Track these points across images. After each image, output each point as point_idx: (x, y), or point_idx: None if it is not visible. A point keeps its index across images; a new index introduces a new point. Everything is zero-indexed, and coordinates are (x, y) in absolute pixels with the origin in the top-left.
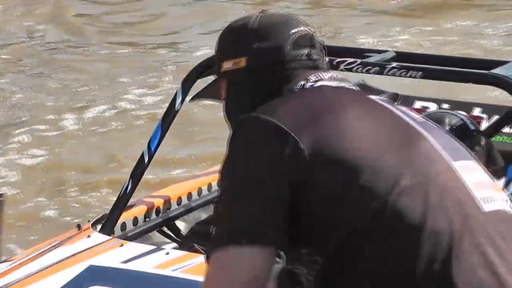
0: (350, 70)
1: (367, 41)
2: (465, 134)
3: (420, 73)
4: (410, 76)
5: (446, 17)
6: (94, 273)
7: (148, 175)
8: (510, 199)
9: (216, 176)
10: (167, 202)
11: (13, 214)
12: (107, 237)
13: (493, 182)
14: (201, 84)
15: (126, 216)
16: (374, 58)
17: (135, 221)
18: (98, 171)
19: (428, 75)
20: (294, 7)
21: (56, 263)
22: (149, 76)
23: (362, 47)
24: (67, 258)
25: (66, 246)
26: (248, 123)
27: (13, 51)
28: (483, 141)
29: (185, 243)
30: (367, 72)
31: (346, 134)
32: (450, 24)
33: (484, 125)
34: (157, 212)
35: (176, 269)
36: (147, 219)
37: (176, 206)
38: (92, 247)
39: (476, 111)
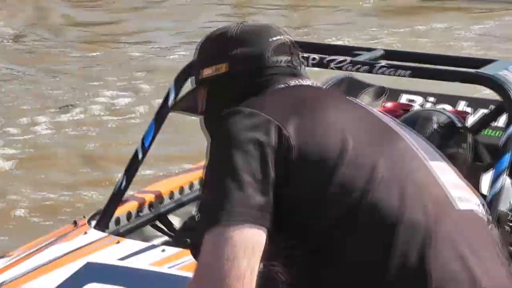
0: (340, 68)
1: (343, 43)
2: (452, 131)
3: (408, 72)
4: (399, 75)
5: (421, 19)
6: (91, 270)
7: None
8: (483, 204)
9: None
10: (160, 196)
11: None
12: (104, 234)
13: (467, 184)
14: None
15: (120, 211)
16: (364, 56)
17: (129, 216)
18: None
19: (416, 74)
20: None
21: (54, 260)
22: (121, 79)
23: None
24: (65, 255)
25: (63, 243)
26: (233, 114)
27: None
28: (470, 138)
29: (178, 238)
30: (357, 70)
31: (326, 127)
32: (425, 26)
33: (470, 119)
34: (150, 206)
35: (172, 266)
36: (140, 214)
37: (169, 201)
38: (89, 244)
39: (461, 105)
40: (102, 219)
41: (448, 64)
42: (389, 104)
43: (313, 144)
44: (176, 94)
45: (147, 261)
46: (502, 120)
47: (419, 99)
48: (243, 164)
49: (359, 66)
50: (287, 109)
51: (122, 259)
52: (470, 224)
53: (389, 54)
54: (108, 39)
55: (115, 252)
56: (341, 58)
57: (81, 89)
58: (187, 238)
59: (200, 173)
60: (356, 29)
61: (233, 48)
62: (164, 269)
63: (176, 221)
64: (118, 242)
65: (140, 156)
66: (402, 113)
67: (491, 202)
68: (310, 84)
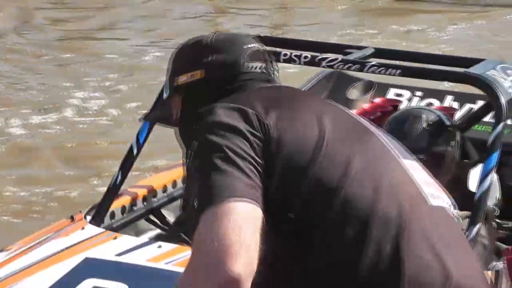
0: (331, 67)
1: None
2: (441, 129)
3: (398, 71)
4: (389, 74)
5: (393, 21)
6: (90, 265)
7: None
8: (454, 205)
9: None
10: (153, 190)
11: None
12: (101, 230)
13: (438, 183)
14: None
15: (114, 206)
16: (354, 55)
17: (123, 210)
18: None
19: (406, 73)
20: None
21: (53, 255)
22: (90, 80)
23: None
24: (63, 250)
25: (61, 238)
26: (213, 108)
27: None
28: (458, 136)
29: (172, 233)
30: (348, 69)
31: (303, 123)
32: (398, 27)
33: (457, 114)
34: (144, 200)
35: (168, 262)
36: (134, 208)
37: (162, 195)
38: (86, 239)
39: (448, 99)
40: (98, 214)
41: (438, 63)
42: (377, 100)
43: (291, 137)
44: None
45: (144, 257)
46: (488, 115)
47: (406, 94)
48: (233, 148)
49: (350, 64)
50: (265, 103)
51: (119, 254)
52: (442, 220)
53: (379, 52)
54: (80, 36)
55: (112, 248)
56: (332, 56)
57: (55, 89)
58: (181, 232)
59: None
60: (327, 31)
61: (209, 55)
62: (161, 265)
63: (169, 215)
64: (115, 238)
65: (135, 151)
66: (391, 109)
67: (479, 200)
68: (286, 85)
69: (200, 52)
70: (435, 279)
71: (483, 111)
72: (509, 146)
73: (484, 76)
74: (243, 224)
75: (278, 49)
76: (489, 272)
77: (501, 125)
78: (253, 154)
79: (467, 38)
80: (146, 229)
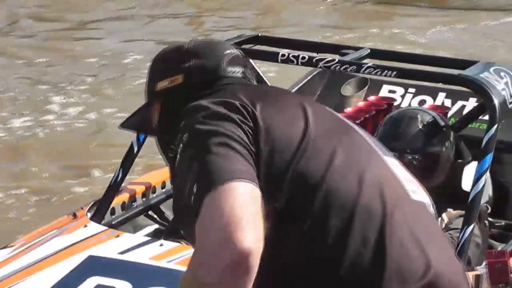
0: (328, 68)
1: None
2: (436, 130)
3: (394, 72)
4: (385, 75)
5: (373, 24)
6: (93, 264)
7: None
8: (433, 205)
9: None
10: (152, 187)
11: None
12: (103, 228)
13: (418, 182)
14: None
15: (114, 202)
16: (351, 56)
17: (123, 206)
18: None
19: (401, 75)
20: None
21: (57, 252)
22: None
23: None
24: (66, 248)
25: (64, 236)
26: (197, 104)
27: None
28: (452, 136)
29: (171, 230)
30: (345, 70)
31: (288, 116)
32: (377, 29)
33: (450, 112)
34: (143, 197)
35: (170, 261)
36: (134, 204)
37: (161, 191)
38: (89, 237)
39: (441, 96)
40: (99, 211)
41: (433, 64)
42: (372, 98)
43: (277, 129)
44: None
45: (146, 255)
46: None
47: (400, 90)
48: (227, 133)
49: (347, 66)
50: (251, 96)
51: (122, 253)
52: (424, 215)
53: (375, 53)
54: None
55: (115, 245)
56: (329, 57)
57: (31, 92)
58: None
59: None
60: (306, 33)
61: (188, 61)
62: (163, 263)
63: (168, 210)
64: (117, 236)
65: (135, 149)
66: (385, 107)
67: (473, 200)
68: (270, 85)
69: (180, 57)
70: (417, 269)
71: (477, 112)
72: (500, 143)
73: (477, 79)
74: (246, 202)
75: (276, 50)
76: (470, 275)
77: (494, 127)
78: (246, 140)
79: (447, 41)
80: (144, 224)
